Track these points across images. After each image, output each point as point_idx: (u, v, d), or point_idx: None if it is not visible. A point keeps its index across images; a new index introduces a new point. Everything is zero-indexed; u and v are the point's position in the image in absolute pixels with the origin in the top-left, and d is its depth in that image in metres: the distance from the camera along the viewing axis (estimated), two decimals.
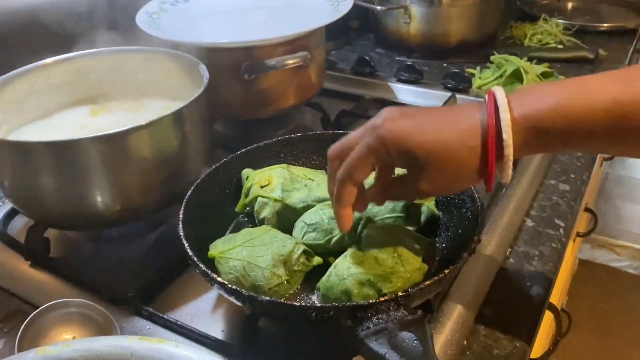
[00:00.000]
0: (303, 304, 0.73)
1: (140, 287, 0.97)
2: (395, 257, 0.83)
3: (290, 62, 1.26)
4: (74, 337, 0.90)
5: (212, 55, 1.25)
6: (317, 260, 0.88)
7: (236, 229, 1.00)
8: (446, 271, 0.76)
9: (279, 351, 0.86)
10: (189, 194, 0.94)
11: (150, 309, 0.94)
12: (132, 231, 1.15)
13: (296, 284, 0.87)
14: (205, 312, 0.94)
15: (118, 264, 1.07)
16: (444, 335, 0.87)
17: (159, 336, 0.91)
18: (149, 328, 0.92)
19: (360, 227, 0.91)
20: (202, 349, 0.82)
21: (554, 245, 1.09)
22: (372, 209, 0.96)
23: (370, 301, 0.72)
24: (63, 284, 1.03)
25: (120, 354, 0.68)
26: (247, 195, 1.01)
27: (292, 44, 1.30)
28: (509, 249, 1.09)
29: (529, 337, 0.89)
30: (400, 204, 0.95)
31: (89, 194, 0.98)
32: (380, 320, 0.71)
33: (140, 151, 0.96)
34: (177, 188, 1.06)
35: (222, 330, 0.91)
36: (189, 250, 0.82)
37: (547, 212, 1.20)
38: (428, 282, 0.75)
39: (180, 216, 0.89)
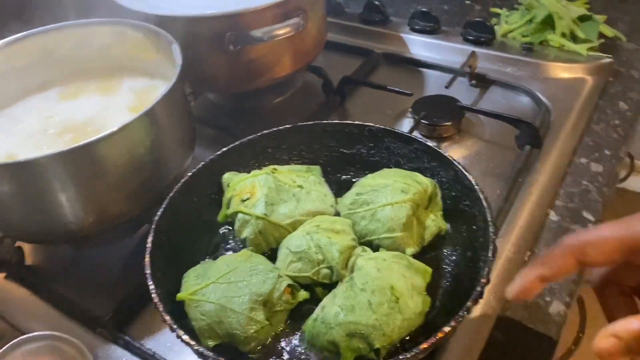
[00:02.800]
0: None
1: (117, 308, 0.90)
2: (392, 302, 0.71)
3: (280, 32, 1.08)
4: None
5: (191, 26, 1.09)
6: (302, 295, 0.78)
7: (217, 247, 0.90)
8: (446, 329, 0.65)
9: None
10: (159, 214, 0.83)
11: (126, 338, 0.87)
12: (112, 235, 1.06)
13: (279, 324, 0.77)
14: None
15: (97, 275, 0.99)
16: None
17: None
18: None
19: (354, 255, 0.79)
20: None
21: None
22: (369, 225, 0.84)
23: None
24: (38, 301, 0.95)
25: None
26: (228, 206, 0.89)
27: (283, 6, 1.11)
28: (529, 253, 0.96)
29: None
30: (401, 219, 0.82)
31: (57, 210, 0.88)
32: None
33: (111, 160, 0.86)
34: (157, 189, 0.95)
35: None
36: (154, 296, 0.72)
37: (574, 201, 1.05)
38: (424, 346, 0.64)
39: (148, 246, 0.78)
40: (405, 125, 1.22)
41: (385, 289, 0.72)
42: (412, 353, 0.64)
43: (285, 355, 0.74)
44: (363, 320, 0.70)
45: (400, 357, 0.63)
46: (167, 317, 0.70)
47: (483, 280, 0.70)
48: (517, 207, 1.01)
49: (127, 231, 1.05)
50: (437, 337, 0.65)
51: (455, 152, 1.14)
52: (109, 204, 0.92)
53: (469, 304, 0.67)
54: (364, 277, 0.74)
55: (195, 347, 0.66)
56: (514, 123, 1.12)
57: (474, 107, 1.19)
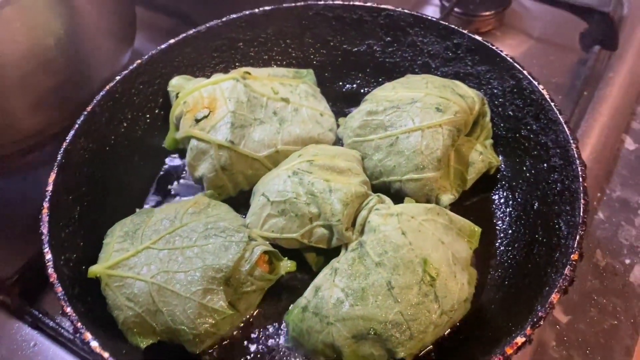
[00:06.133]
0: None
1: (26, 269, 0.63)
2: (425, 284, 0.45)
3: None
4: None
5: None
6: (285, 267, 0.52)
7: (163, 183, 0.62)
8: (519, 342, 0.40)
9: None
10: (68, 139, 0.55)
11: (36, 313, 0.61)
12: (32, 160, 0.77)
13: (250, 310, 0.51)
14: None
15: (2, 217, 0.72)
16: None
17: (49, 359, 0.60)
18: (34, 345, 0.60)
19: (364, 209, 0.52)
20: None
21: None
22: (386, 160, 0.56)
23: None
24: None
25: None
26: (177, 126, 0.60)
27: None
28: (598, 194, 0.70)
29: None
30: (435, 152, 0.54)
31: None
32: None
33: (2, 47, 0.60)
34: (78, 97, 0.69)
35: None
36: (51, 274, 0.45)
37: None
38: None
39: (49, 189, 0.51)
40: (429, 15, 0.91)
41: (415, 264, 0.46)
42: None
43: (259, 355, 0.49)
44: (379, 314, 0.44)
45: None
46: (69, 309, 0.43)
47: (573, 257, 0.43)
48: (583, 131, 0.74)
49: (52, 157, 0.77)
50: (504, 357, 0.39)
51: None
52: (9, 117, 0.64)
53: (552, 296, 0.42)
54: (382, 243, 0.48)
55: None
56: (581, 14, 0.81)
57: None
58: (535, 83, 0.56)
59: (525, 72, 0.57)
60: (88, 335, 0.42)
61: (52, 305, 0.63)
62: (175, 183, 0.64)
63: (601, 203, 0.71)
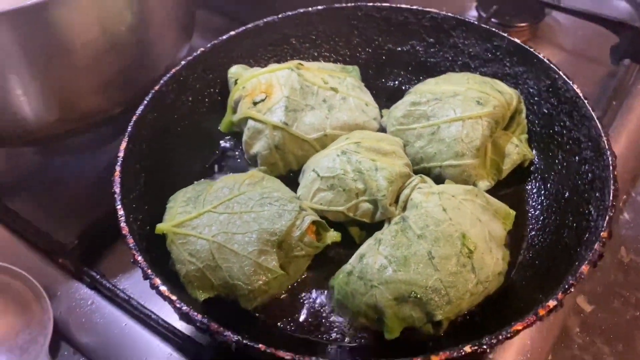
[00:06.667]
0: (296, 358, 0.42)
1: (84, 235, 0.69)
2: (463, 256, 0.49)
3: None
4: None
5: None
6: (332, 237, 0.56)
7: (219, 163, 0.67)
8: (550, 305, 0.43)
9: None
10: (138, 113, 0.60)
11: (94, 274, 0.66)
12: (89, 139, 0.83)
13: (298, 274, 0.56)
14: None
15: (62, 191, 0.77)
16: None
17: (105, 316, 0.64)
18: (91, 303, 0.65)
19: (407, 187, 0.56)
20: None
21: None
22: (427, 147, 0.60)
23: None
24: None
25: None
26: (234, 109, 0.66)
27: None
28: (624, 196, 0.73)
29: None
30: (474, 141, 0.59)
31: (8, 100, 0.66)
32: None
33: (76, 31, 0.65)
34: (142, 81, 0.73)
35: None
36: (124, 227, 0.50)
37: None
38: (517, 327, 0.43)
39: (120, 155, 0.56)
40: None
41: (454, 238, 0.50)
42: (491, 340, 0.42)
43: (303, 317, 0.54)
44: (420, 279, 0.48)
45: (490, 339, 0.42)
46: (140, 258, 0.48)
47: (603, 235, 0.47)
48: (610, 137, 0.77)
49: (106, 136, 0.83)
50: (536, 317, 0.43)
51: None
52: (77, 95, 0.71)
53: (582, 268, 0.45)
54: (424, 218, 0.52)
55: (177, 305, 0.45)
56: (613, 27, 0.85)
57: (560, 4, 0.91)
58: (570, 82, 0.60)
59: (560, 72, 0.61)
60: (157, 281, 0.47)
61: (109, 269, 0.68)
62: (229, 162, 0.69)
63: (627, 204, 0.74)
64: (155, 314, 0.62)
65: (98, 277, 0.66)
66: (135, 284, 0.66)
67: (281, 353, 0.41)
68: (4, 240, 0.72)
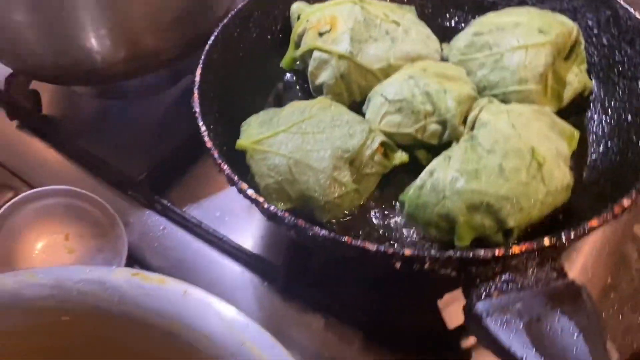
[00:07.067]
0: (382, 248, 0.45)
1: (153, 168, 0.72)
2: (533, 167, 0.51)
3: None
4: (67, 235, 0.68)
5: None
6: (400, 157, 0.58)
7: (278, 99, 0.70)
8: (617, 209, 0.45)
9: (339, 279, 0.61)
10: (210, 43, 0.63)
11: (164, 202, 0.69)
12: (147, 84, 0.86)
13: (368, 191, 0.58)
14: (237, 211, 0.68)
15: (128, 131, 0.81)
16: None
17: (177, 240, 0.68)
18: (163, 228, 0.68)
19: (475, 109, 0.58)
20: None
21: None
22: (490, 75, 0.62)
23: (497, 252, 0.43)
24: (58, 156, 0.78)
25: (102, 298, 0.44)
26: (297, 44, 0.68)
27: None
28: None
29: None
30: (538, 68, 0.60)
31: (79, 35, 0.69)
32: (510, 285, 0.43)
33: None
34: (202, 24, 0.75)
35: (262, 237, 0.66)
36: (207, 140, 0.53)
37: None
38: (593, 222, 0.45)
39: (197, 79, 0.59)
40: None
41: (524, 152, 0.52)
42: (569, 234, 0.44)
43: (375, 230, 0.56)
44: (492, 189, 0.50)
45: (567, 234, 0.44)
46: (225, 166, 0.51)
47: None
48: None
49: (164, 81, 0.86)
50: (612, 214, 0.45)
51: None
52: (143, 35, 0.74)
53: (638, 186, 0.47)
54: (493, 134, 0.54)
55: (265, 206, 0.47)
56: None
57: None
58: (632, 10, 0.61)
59: (621, 1, 0.62)
60: (245, 185, 0.50)
61: (178, 199, 0.71)
62: (289, 97, 0.71)
63: None
64: (226, 236, 0.65)
65: (169, 204, 0.69)
66: (204, 213, 0.69)
67: (367, 244, 0.44)
68: (77, 175, 0.75)
